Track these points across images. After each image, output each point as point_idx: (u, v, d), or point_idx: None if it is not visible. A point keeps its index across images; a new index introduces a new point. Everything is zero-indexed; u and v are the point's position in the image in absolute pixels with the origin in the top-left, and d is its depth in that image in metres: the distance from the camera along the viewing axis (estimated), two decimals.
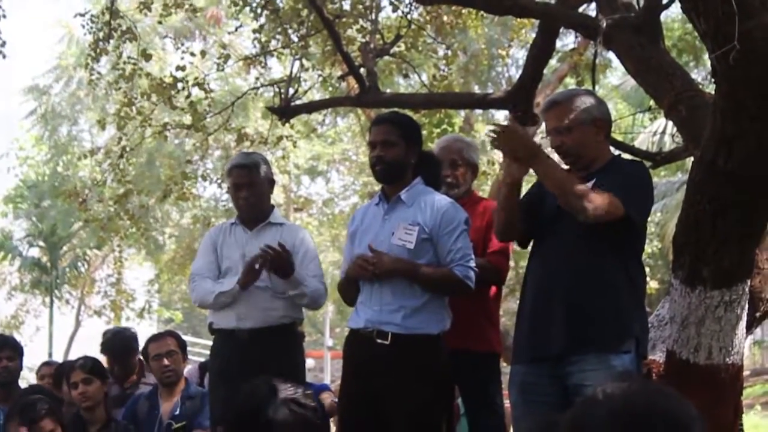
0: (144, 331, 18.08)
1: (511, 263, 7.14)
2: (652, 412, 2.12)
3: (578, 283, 4.99)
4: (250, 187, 6.54)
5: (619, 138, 9.75)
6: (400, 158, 5.61)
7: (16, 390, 8.01)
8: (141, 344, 8.06)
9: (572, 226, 4.99)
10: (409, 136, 5.66)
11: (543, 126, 6.29)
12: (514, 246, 6.14)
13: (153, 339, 7.76)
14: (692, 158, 6.02)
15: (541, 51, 8.76)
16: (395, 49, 11.62)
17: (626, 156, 7.57)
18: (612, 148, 5.91)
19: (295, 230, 6.69)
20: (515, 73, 18.82)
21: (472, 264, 5.57)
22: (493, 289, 6.30)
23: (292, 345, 6.53)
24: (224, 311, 6.44)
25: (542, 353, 5.08)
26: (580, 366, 4.91)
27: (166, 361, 7.47)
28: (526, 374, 5.19)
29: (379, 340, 5.42)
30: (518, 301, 5.55)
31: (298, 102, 10.71)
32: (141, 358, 8.10)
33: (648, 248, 23.01)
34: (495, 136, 5.05)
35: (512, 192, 5.25)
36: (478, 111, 19.51)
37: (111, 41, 11.78)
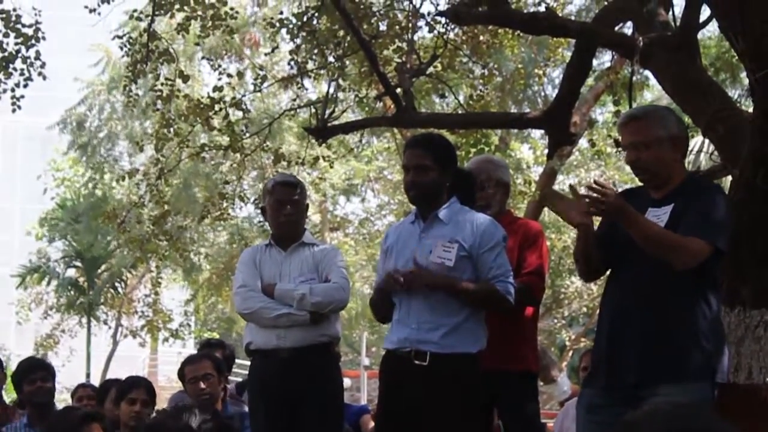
0: (185, 352, 18.17)
1: (547, 282, 7.09)
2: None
3: (653, 311, 4.86)
4: (294, 204, 6.58)
5: None
6: (435, 182, 5.59)
7: (52, 411, 8.05)
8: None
9: (650, 260, 4.89)
10: (442, 158, 5.64)
11: (580, 143, 6.25)
12: (549, 265, 6.08)
13: (189, 361, 7.73)
14: (730, 177, 5.99)
15: (577, 70, 8.75)
16: (431, 69, 11.65)
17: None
18: None
19: (327, 248, 6.74)
20: (552, 92, 18.80)
21: (512, 280, 5.56)
22: (530, 309, 6.28)
23: (330, 364, 6.53)
24: (264, 331, 6.45)
25: (617, 382, 4.98)
26: (652, 391, 4.81)
27: (202, 385, 7.44)
28: (596, 396, 5.10)
29: (417, 361, 5.42)
30: (596, 324, 5.43)
31: (334, 122, 10.74)
32: None
33: None
34: (594, 200, 4.88)
35: (585, 236, 5.16)
36: (514, 130, 19.47)
37: (148, 63, 11.87)
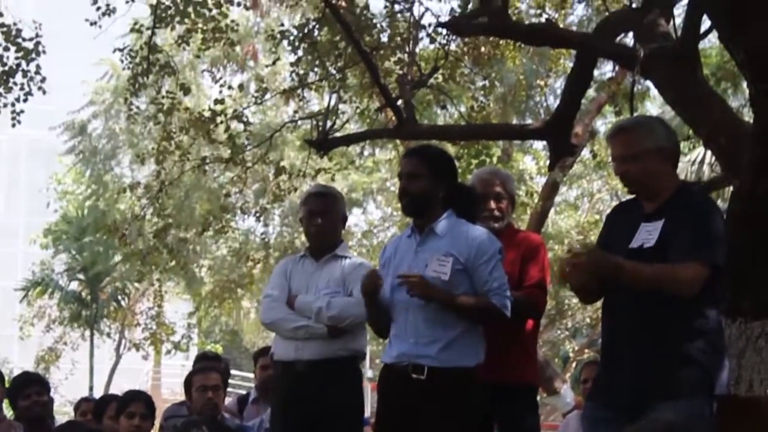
0: (188, 365, 18.12)
1: (550, 294, 7.07)
2: None
3: (648, 329, 4.81)
4: (324, 215, 6.55)
5: None
6: (425, 191, 5.58)
7: (50, 426, 8.04)
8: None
9: None
10: (436, 168, 5.63)
11: (582, 154, 6.23)
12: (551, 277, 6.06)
13: (199, 371, 7.79)
14: (731, 187, 5.97)
15: (579, 81, 8.74)
16: (433, 80, 11.64)
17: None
18: None
19: (356, 262, 6.66)
20: (553, 103, 18.78)
21: (509, 294, 5.53)
22: (530, 322, 6.25)
23: (349, 379, 6.43)
24: (285, 342, 6.43)
25: (614, 401, 4.96)
26: (649, 408, 4.77)
27: (210, 394, 7.49)
28: (597, 409, 5.08)
29: (414, 375, 5.39)
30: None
31: (335, 134, 10.73)
32: None
33: None
34: (572, 268, 4.80)
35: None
36: (517, 141, 19.46)
37: (149, 76, 11.86)
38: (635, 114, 9.77)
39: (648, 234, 4.87)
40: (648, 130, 5.05)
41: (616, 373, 4.94)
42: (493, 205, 6.23)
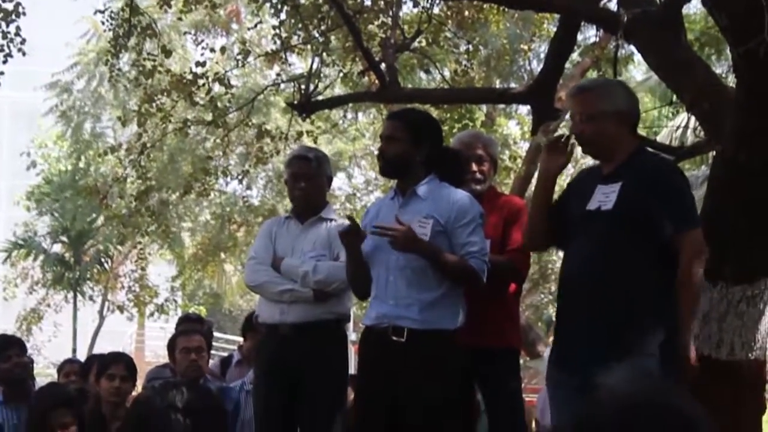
0: (169, 327, 18.13)
1: (534, 258, 7.08)
2: (656, 409, 2.10)
3: (602, 290, 4.87)
4: (308, 178, 6.53)
5: (643, 132, 9.69)
6: (402, 154, 5.59)
7: (31, 387, 8.02)
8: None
9: (598, 235, 4.91)
10: (416, 132, 5.63)
11: (566, 119, 6.24)
12: None
13: (182, 333, 7.78)
14: (714, 152, 5.97)
15: (562, 45, 8.74)
16: (416, 44, 11.61)
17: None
18: None
19: (342, 224, 6.63)
20: (537, 67, 18.74)
21: (487, 258, 5.53)
22: (513, 286, 6.26)
23: (333, 342, 6.44)
24: (270, 305, 6.43)
25: (568, 362, 5.01)
26: (600, 369, 4.82)
27: (193, 356, 7.49)
28: (559, 377, 5.12)
29: (394, 337, 5.40)
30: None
31: (318, 98, 10.70)
32: None
33: None
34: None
35: (549, 189, 5.20)
36: (500, 106, 19.44)
37: (131, 38, 11.79)
38: (618, 78, 9.77)
39: (605, 196, 4.94)
40: (607, 93, 5.12)
41: (571, 334, 5.04)
42: (474, 167, 6.22)
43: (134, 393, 7.74)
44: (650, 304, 4.83)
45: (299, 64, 17.20)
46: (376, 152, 6.92)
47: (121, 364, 7.27)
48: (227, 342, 26.55)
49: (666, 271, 4.86)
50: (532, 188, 6.15)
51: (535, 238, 5.46)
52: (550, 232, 5.27)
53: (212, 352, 8.69)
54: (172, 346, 7.75)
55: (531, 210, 5.42)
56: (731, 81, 9.16)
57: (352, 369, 7.66)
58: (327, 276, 6.30)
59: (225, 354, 12.11)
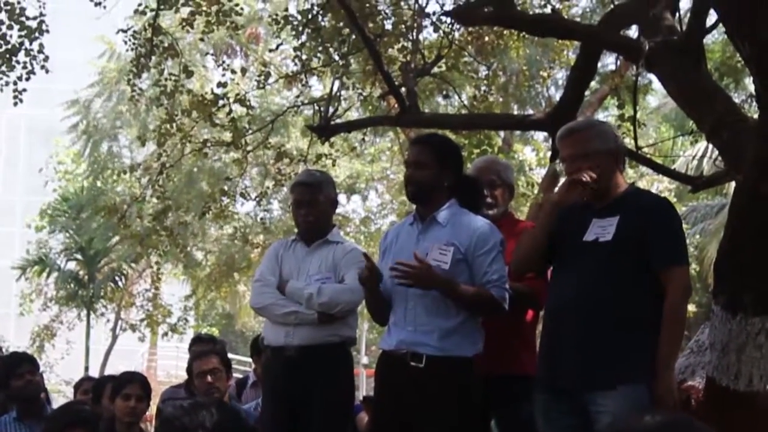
0: (182, 347, 18.16)
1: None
2: None
3: (588, 318, 4.95)
4: (310, 205, 6.53)
5: (659, 161, 9.69)
6: (431, 180, 5.60)
7: (41, 404, 8.04)
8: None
9: (596, 264, 4.98)
10: (443, 158, 5.65)
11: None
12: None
13: (197, 356, 7.78)
14: (733, 183, 5.97)
15: (582, 73, 8.74)
16: (436, 69, 11.62)
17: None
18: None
19: (348, 248, 6.65)
20: (556, 94, 18.78)
21: (507, 286, 5.54)
22: (530, 313, 6.25)
23: (340, 365, 6.42)
24: (275, 327, 6.43)
25: (557, 386, 5.06)
26: (593, 398, 4.89)
27: (209, 379, 7.49)
28: (548, 400, 5.17)
29: (413, 363, 5.40)
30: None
31: (337, 120, 10.72)
32: None
33: None
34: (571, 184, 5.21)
35: (555, 218, 5.25)
36: (517, 132, 19.45)
37: (153, 57, 11.85)
38: (637, 107, 9.79)
39: (602, 229, 5.06)
40: (598, 133, 5.26)
41: (558, 358, 5.09)
42: (486, 192, 6.24)
43: (148, 413, 7.75)
44: (643, 332, 4.92)
45: (318, 86, 17.28)
46: (392, 176, 6.92)
47: (136, 383, 7.27)
48: (239, 363, 26.54)
49: (658, 301, 4.96)
50: None
51: (528, 263, 5.52)
52: (543, 258, 5.36)
53: None
54: (189, 370, 7.75)
55: (531, 236, 5.46)
56: (749, 111, 9.18)
57: (363, 392, 7.67)
58: (331, 298, 6.31)
59: (236, 375, 12.12)
